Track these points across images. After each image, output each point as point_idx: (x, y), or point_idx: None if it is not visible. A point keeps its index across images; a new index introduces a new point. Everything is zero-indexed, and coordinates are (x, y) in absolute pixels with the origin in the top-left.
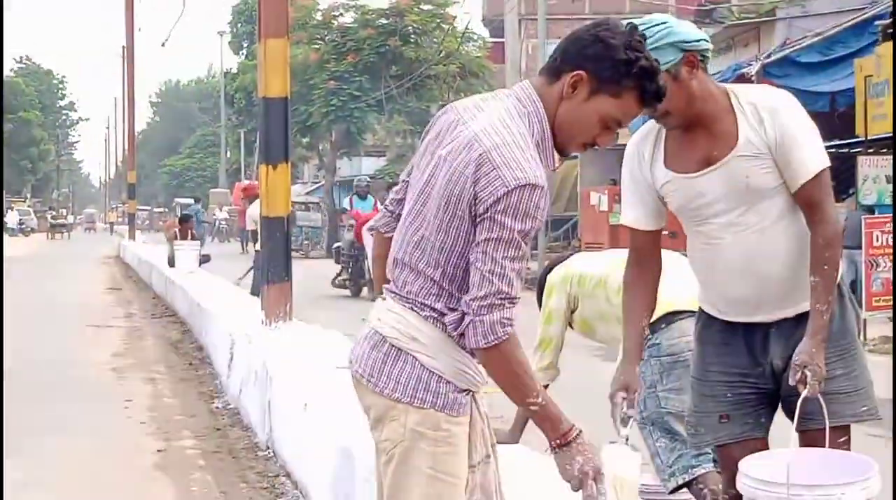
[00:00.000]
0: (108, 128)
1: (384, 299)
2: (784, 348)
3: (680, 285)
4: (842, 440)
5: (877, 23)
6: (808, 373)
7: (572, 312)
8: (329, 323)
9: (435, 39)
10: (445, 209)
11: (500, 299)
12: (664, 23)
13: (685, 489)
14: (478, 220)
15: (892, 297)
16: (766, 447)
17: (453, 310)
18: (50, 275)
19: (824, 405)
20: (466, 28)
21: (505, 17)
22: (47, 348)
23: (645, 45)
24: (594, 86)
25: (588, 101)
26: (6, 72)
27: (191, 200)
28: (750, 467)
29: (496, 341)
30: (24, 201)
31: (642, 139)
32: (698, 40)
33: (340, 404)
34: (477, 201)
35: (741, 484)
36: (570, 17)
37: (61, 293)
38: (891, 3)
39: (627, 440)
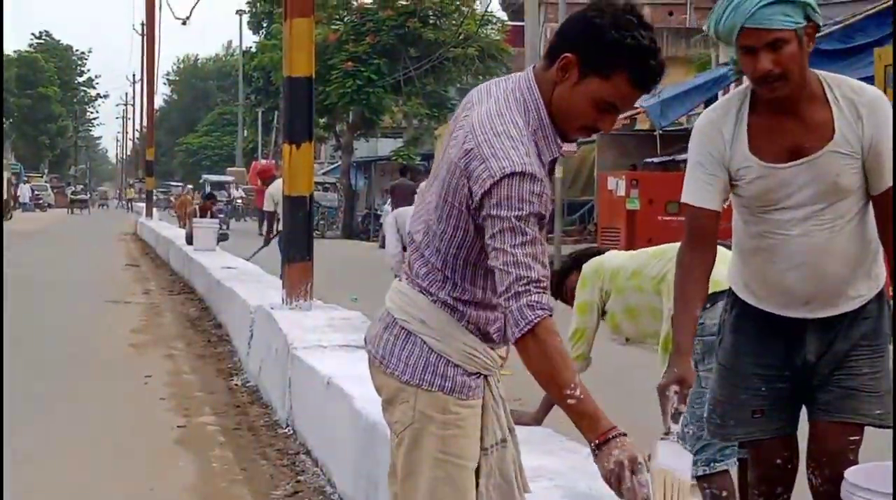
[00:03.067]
0: (125, 105)
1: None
2: (819, 345)
3: (720, 263)
4: (853, 438)
5: None
6: None
7: (604, 305)
8: (347, 303)
9: (454, 22)
10: (445, 200)
11: (523, 285)
12: None
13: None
14: (480, 221)
15: None
16: (795, 444)
17: (458, 299)
18: (68, 250)
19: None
20: (486, 11)
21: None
22: (66, 324)
23: (639, 24)
24: (583, 68)
25: (579, 84)
26: (25, 47)
27: (225, 177)
28: (859, 478)
29: (527, 327)
30: (42, 177)
31: (721, 117)
32: (819, 15)
33: (362, 383)
34: (472, 195)
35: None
36: (589, 2)
37: (80, 269)
38: None
39: (678, 437)
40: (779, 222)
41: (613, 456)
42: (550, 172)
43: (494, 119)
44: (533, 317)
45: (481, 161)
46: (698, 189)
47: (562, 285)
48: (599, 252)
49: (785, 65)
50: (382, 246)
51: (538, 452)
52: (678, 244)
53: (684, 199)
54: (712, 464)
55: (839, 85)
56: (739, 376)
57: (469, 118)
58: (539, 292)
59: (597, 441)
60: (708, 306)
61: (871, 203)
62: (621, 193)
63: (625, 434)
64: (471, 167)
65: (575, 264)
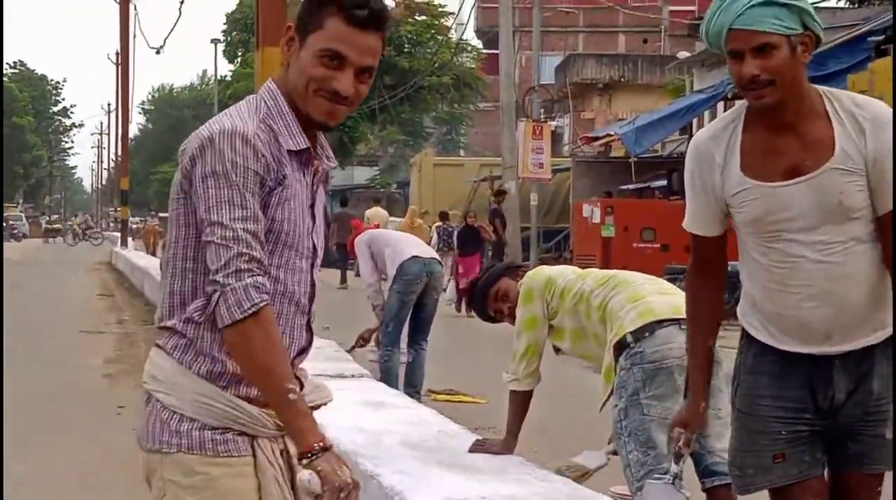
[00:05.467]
0: (100, 134)
1: None
2: (848, 382)
3: (658, 294)
4: (880, 488)
5: (870, 39)
6: None
7: (549, 319)
8: (319, 332)
9: (429, 50)
10: (170, 208)
11: (245, 261)
12: None
13: None
14: (191, 196)
15: None
16: (825, 486)
17: (189, 322)
18: (42, 280)
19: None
20: (460, 39)
21: (499, 28)
22: (40, 353)
23: None
24: (302, 32)
25: (302, 48)
26: None
27: None
28: None
29: (252, 309)
30: (17, 207)
31: (712, 139)
32: (819, 26)
33: (334, 412)
34: (184, 174)
35: None
36: (564, 30)
37: (53, 299)
38: (882, 20)
39: (675, 478)
40: (789, 249)
41: (347, 472)
42: (307, 167)
43: (218, 117)
44: (258, 300)
45: (194, 137)
46: (694, 217)
47: (485, 296)
48: (521, 267)
49: (773, 71)
50: (358, 274)
51: (510, 481)
52: (621, 272)
53: (685, 225)
54: None
55: (840, 98)
56: (757, 420)
57: None
58: (260, 274)
59: (321, 443)
60: (647, 335)
61: None
62: (596, 220)
63: (329, 448)
64: (184, 163)
65: (504, 272)
